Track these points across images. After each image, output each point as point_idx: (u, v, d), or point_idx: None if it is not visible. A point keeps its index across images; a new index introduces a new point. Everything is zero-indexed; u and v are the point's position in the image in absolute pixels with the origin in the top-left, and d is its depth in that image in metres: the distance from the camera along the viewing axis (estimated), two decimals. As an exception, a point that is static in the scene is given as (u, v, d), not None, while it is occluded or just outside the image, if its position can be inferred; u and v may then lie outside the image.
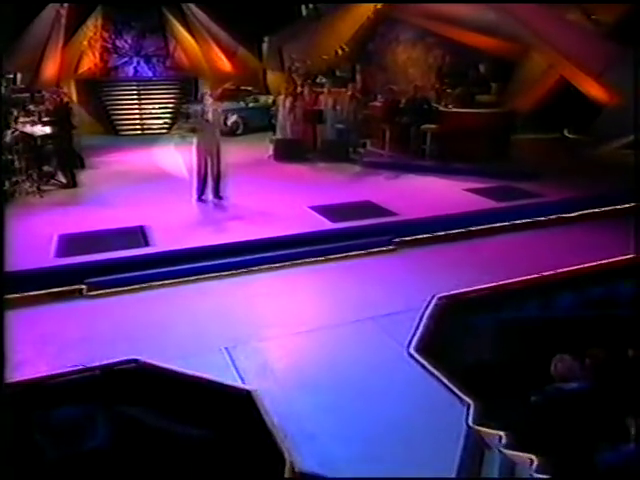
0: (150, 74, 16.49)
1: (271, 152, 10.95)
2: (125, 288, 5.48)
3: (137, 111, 15.29)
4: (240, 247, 6.14)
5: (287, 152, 10.69)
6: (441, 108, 10.20)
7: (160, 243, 6.16)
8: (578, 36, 11.17)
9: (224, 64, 16.25)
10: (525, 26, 11.16)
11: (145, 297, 5.40)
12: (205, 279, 5.78)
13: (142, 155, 11.74)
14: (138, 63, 16.50)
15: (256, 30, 15.86)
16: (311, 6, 15.29)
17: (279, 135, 11.08)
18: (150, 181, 9.14)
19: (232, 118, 13.61)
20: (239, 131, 13.79)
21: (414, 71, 13.86)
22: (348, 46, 14.26)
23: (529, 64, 12.22)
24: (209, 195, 7.91)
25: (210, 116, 7.54)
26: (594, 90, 10.74)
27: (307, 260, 6.22)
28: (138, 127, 15.07)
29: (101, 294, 5.39)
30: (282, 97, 11.15)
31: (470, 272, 5.81)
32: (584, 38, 11.14)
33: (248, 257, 6.02)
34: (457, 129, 9.69)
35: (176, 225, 6.84)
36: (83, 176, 9.27)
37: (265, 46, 16.60)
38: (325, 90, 11.24)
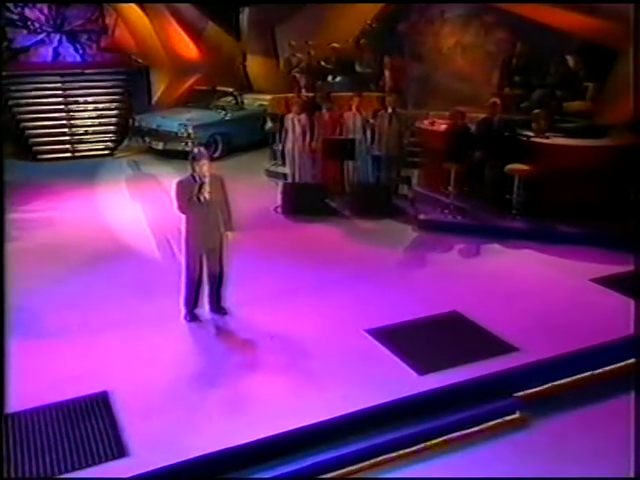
0: (78, 59, 15.06)
1: (279, 201, 9.79)
2: None
3: (64, 121, 13.71)
4: (277, 444, 4.71)
5: (303, 203, 9.58)
6: (535, 139, 8.95)
7: (144, 443, 4.65)
8: None
9: (187, 48, 14.99)
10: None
11: None
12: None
13: (79, 202, 10.37)
14: (59, 43, 15.08)
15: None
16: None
17: (288, 174, 10.04)
18: (101, 267, 7.70)
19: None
20: (217, 153, 12.41)
21: (466, 63, 12.67)
22: (372, 27, 12.96)
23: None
24: (204, 305, 6.56)
25: (207, 193, 6.00)
26: None
27: (393, 455, 4.87)
28: (67, 148, 13.57)
29: None
30: (290, 116, 9.90)
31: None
32: None
33: (292, 466, 4.62)
34: (561, 171, 8.48)
35: (162, 385, 5.36)
36: (-7, 259, 7.70)
37: (244, 19, 15.27)
38: (353, 104, 9.96)
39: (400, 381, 5.39)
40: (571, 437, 5.12)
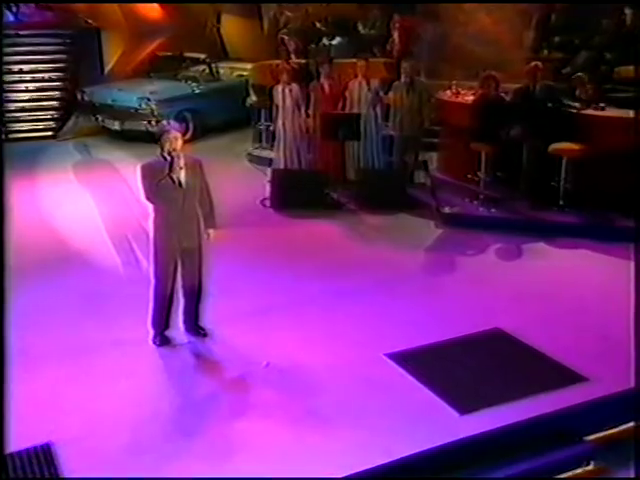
0: (11, 18, 15.11)
1: (267, 193, 9.74)
2: None
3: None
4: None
5: (297, 194, 9.53)
6: (587, 111, 8.76)
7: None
8: None
9: (149, 5, 15.04)
10: None
11: None
12: None
13: (16, 196, 9.89)
14: (-12, -1, 15.52)
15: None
16: None
17: (278, 159, 10.08)
18: (45, 278, 7.53)
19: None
20: (188, 134, 12.38)
21: (493, 22, 12.63)
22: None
23: None
24: (178, 325, 6.34)
25: (183, 176, 5.76)
26: None
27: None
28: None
29: None
30: (279, 88, 9.88)
31: None
32: None
33: None
34: (620, 151, 8.23)
35: (124, 432, 5.04)
36: None
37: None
38: (358, 71, 9.86)
39: (436, 423, 5.14)
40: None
